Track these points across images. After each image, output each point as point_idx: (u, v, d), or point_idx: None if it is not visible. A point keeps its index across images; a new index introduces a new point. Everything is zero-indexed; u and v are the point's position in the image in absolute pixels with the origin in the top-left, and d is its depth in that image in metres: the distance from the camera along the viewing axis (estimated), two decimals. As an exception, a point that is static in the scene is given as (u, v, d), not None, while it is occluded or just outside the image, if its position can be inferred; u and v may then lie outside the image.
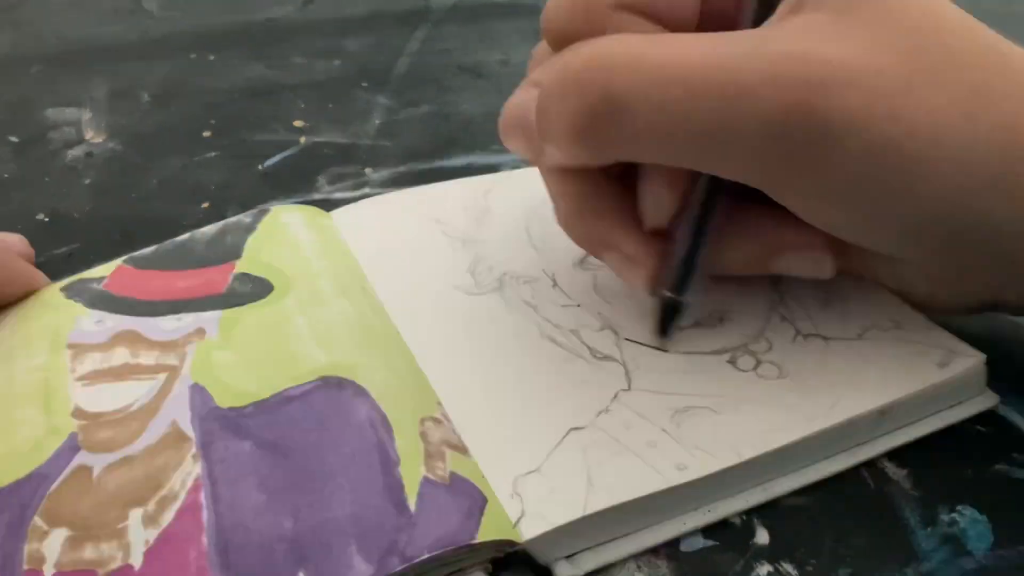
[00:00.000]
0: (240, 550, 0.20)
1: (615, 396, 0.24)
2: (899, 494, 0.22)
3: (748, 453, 0.22)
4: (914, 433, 0.24)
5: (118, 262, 0.29)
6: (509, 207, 0.31)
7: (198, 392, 0.23)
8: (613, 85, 0.20)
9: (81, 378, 0.24)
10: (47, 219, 0.33)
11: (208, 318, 0.26)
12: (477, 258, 0.28)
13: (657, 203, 0.24)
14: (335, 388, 0.23)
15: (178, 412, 0.23)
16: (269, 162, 0.37)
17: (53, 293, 0.27)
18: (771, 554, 0.21)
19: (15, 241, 0.30)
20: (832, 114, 0.20)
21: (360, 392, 0.23)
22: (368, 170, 0.36)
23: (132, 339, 0.25)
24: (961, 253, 0.22)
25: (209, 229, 0.30)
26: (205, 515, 0.20)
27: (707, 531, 0.22)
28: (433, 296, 0.27)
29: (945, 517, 0.22)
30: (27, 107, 0.41)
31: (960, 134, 0.20)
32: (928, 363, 0.24)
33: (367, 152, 0.37)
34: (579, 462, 0.22)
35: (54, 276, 0.30)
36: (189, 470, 0.21)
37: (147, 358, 0.25)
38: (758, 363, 0.24)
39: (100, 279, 0.28)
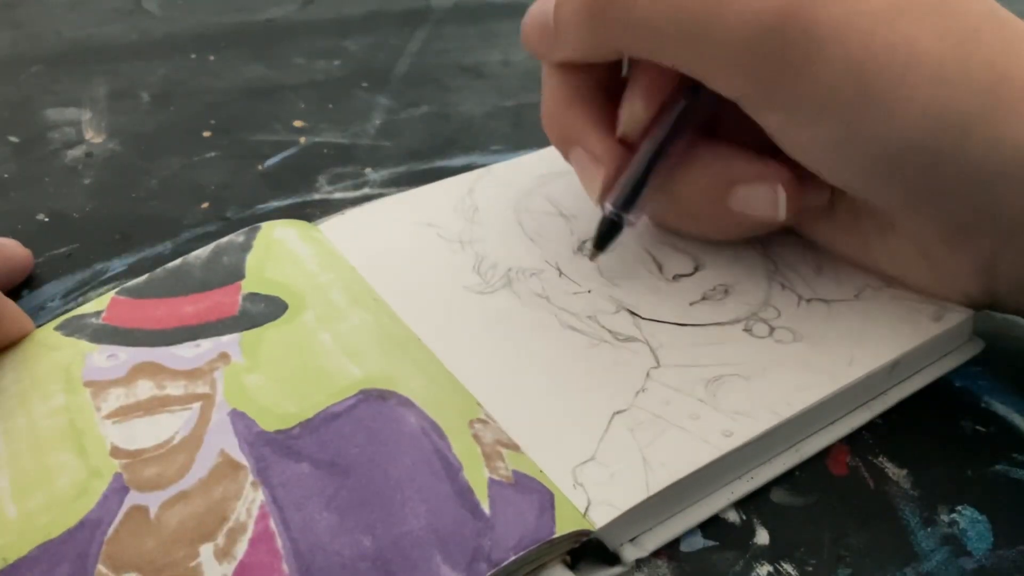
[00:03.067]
0: (323, 573, 0.19)
1: (647, 375, 0.24)
2: (899, 494, 0.22)
3: (786, 413, 0.23)
4: (917, 384, 0.25)
5: (110, 295, 0.27)
6: (496, 202, 0.31)
7: (239, 418, 0.23)
8: None
9: (109, 416, 0.23)
10: (47, 219, 0.33)
11: (228, 342, 0.25)
12: (479, 257, 0.29)
13: (632, 112, 0.25)
14: (378, 400, 0.23)
15: (224, 440, 0.22)
16: (269, 162, 0.37)
17: (48, 333, 0.26)
18: (771, 554, 0.21)
19: (11, 245, 0.30)
20: (816, 21, 0.21)
21: (404, 401, 0.23)
22: (368, 170, 0.36)
23: (153, 370, 0.24)
24: (945, 200, 0.22)
25: (202, 252, 0.29)
26: (279, 542, 0.20)
27: (707, 531, 0.22)
28: (445, 299, 0.27)
29: (945, 517, 0.22)
30: (27, 107, 0.41)
31: (941, 65, 0.20)
32: (923, 317, 0.25)
33: (367, 152, 0.37)
34: (630, 444, 0.22)
35: (54, 276, 0.30)
36: (251, 498, 0.21)
37: (174, 388, 0.24)
38: (772, 329, 0.25)
39: (96, 313, 0.27)
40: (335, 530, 0.20)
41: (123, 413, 0.23)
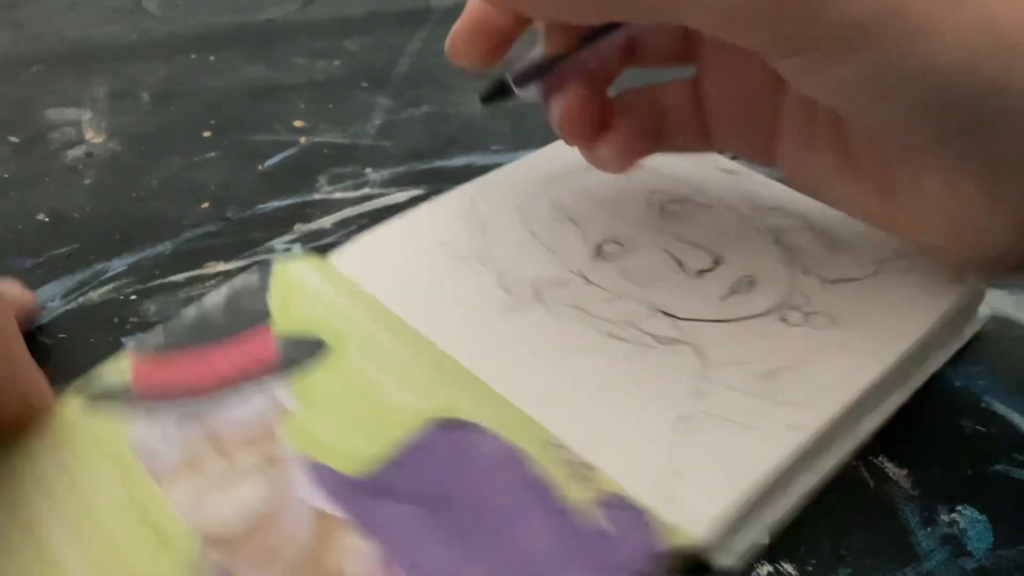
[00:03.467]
0: None
1: (700, 376, 0.24)
2: (899, 494, 0.22)
3: (845, 399, 0.23)
4: (943, 357, 0.25)
5: (127, 357, 0.25)
6: (502, 213, 0.30)
7: (318, 469, 0.22)
8: None
9: (181, 497, 0.21)
10: (47, 219, 0.33)
11: (278, 392, 0.24)
12: (501, 272, 0.27)
13: None
14: (451, 429, 0.22)
15: (312, 496, 0.21)
16: (269, 162, 0.37)
17: (76, 410, 0.24)
18: (771, 554, 0.21)
19: (10, 289, 0.27)
20: None
21: (476, 428, 0.22)
22: (368, 170, 0.36)
23: (210, 436, 0.23)
24: (986, 134, 0.21)
25: (215, 297, 0.27)
26: None
27: (707, 531, 0.22)
28: (478, 320, 0.26)
29: (945, 517, 0.22)
30: (27, 107, 0.41)
31: None
32: (944, 282, 0.25)
33: (367, 152, 0.37)
34: (704, 450, 0.22)
35: (54, 276, 0.30)
36: (362, 549, 0.20)
37: (239, 451, 0.22)
38: (806, 316, 0.25)
39: (122, 379, 0.24)
40: (458, 564, 0.19)
41: (196, 492, 0.21)
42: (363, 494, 0.21)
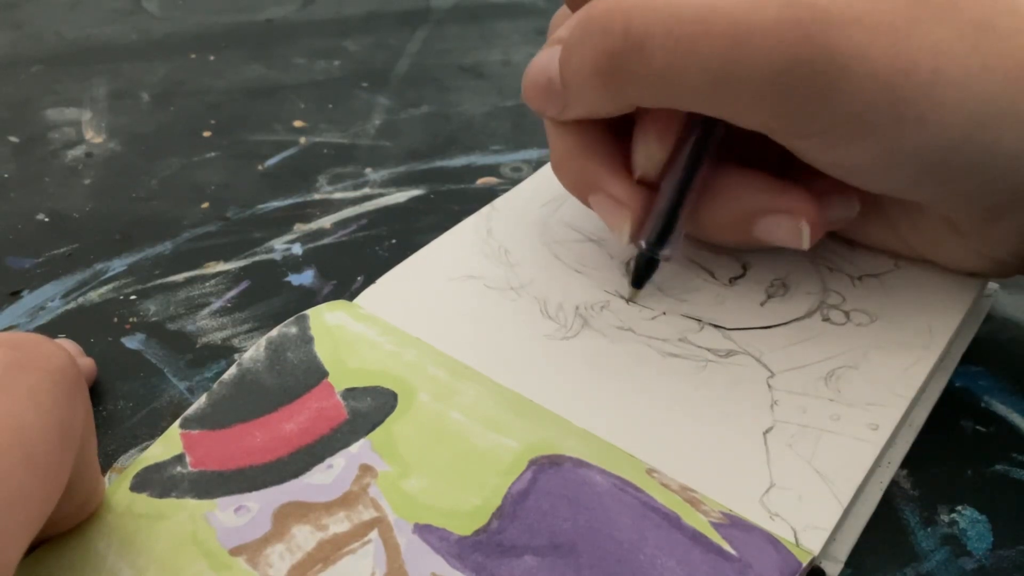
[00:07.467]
0: None
1: (768, 385, 0.24)
2: (899, 494, 0.22)
3: (910, 393, 0.23)
4: (966, 341, 0.26)
5: (175, 434, 0.23)
6: (520, 240, 0.29)
7: (428, 532, 0.20)
8: (632, 24, 0.22)
9: (273, 571, 0.20)
10: (47, 219, 0.33)
11: (359, 451, 0.22)
12: (540, 300, 0.27)
13: (648, 154, 0.25)
14: (554, 467, 0.21)
15: (428, 562, 0.19)
16: (269, 162, 0.37)
17: (138, 500, 0.21)
18: (771, 554, 0.21)
19: (72, 348, 0.26)
20: (836, 49, 0.20)
21: (579, 463, 0.21)
22: (368, 170, 0.36)
23: (300, 511, 0.21)
24: (979, 191, 0.22)
25: (255, 354, 0.25)
26: None
27: (707, 531, 0.22)
28: (532, 353, 0.25)
29: (945, 517, 0.22)
30: (27, 107, 0.41)
31: (965, 65, 0.20)
32: (963, 274, 0.26)
33: (367, 152, 0.37)
34: (797, 461, 0.22)
35: (54, 276, 0.30)
36: None
37: (337, 524, 0.20)
38: (847, 314, 0.25)
39: (178, 459, 0.22)
40: None
41: (300, 571, 0.20)
42: (482, 554, 0.20)
